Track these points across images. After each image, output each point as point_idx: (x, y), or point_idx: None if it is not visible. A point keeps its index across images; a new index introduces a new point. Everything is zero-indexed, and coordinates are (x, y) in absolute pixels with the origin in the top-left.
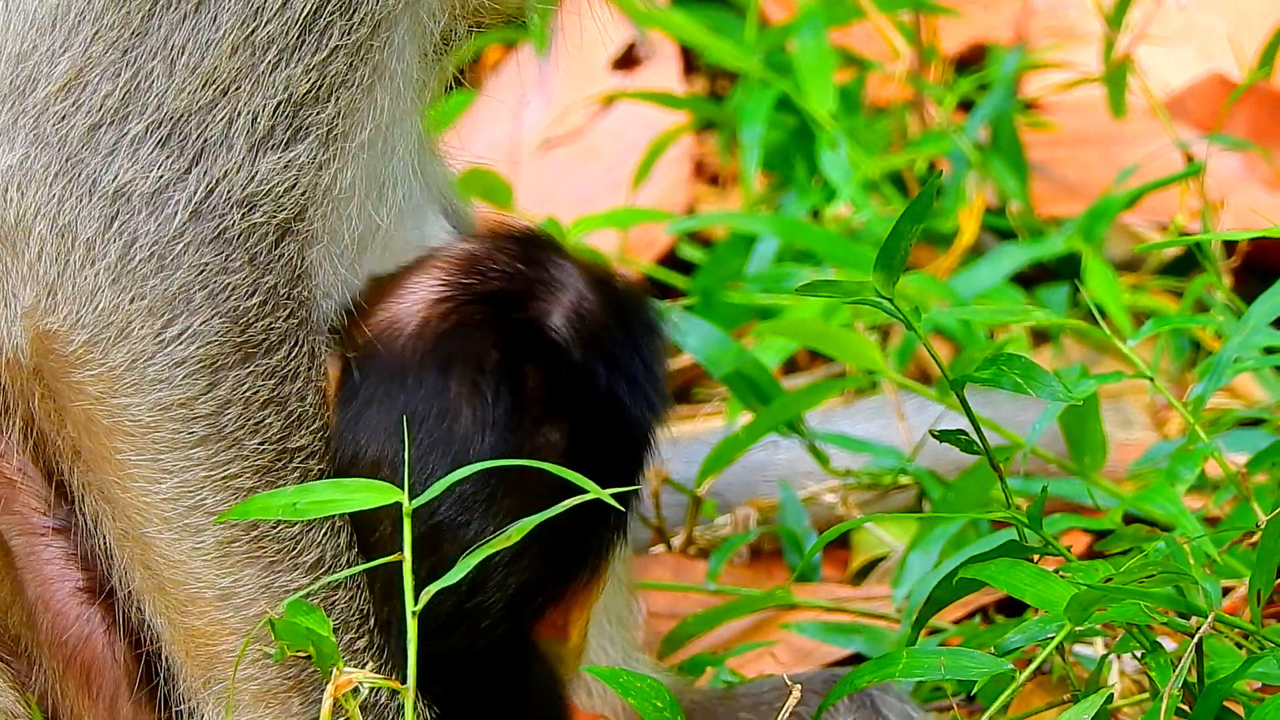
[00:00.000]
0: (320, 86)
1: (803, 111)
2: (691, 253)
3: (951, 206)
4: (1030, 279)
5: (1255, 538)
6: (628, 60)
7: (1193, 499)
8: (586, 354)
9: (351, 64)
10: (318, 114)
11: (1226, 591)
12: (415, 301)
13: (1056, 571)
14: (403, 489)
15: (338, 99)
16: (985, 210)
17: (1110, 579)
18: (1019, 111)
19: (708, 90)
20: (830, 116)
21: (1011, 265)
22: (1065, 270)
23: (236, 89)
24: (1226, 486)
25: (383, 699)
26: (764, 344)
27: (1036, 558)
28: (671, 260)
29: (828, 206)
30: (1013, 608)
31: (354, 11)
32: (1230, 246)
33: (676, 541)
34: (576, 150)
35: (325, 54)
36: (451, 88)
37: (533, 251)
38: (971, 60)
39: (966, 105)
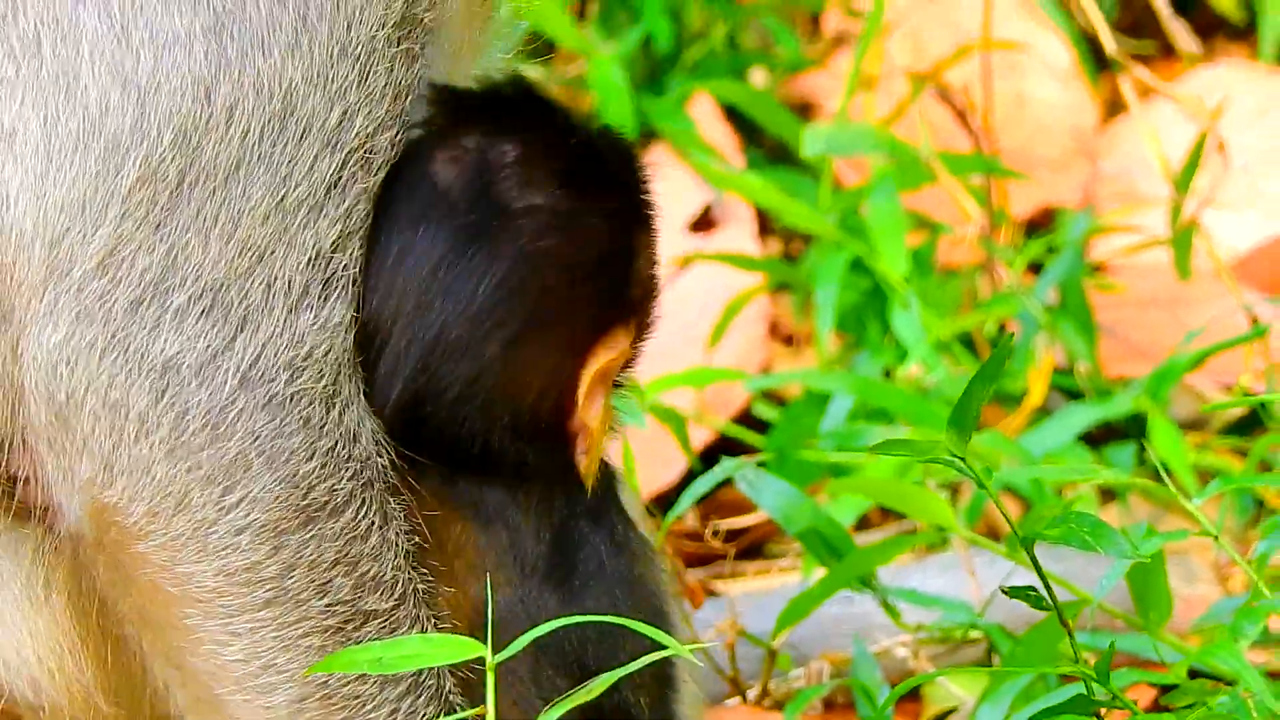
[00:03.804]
0: (342, 236)
1: (875, 273)
2: (766, 411)
3: (1020, 366)
4: (1098, 438)
5: None
6: (704, 222)
7: (1256, 654)
8: None
9: (366, 211)
10: (340, 263)
11: None
12: None
13: None
14: None
15: (351, 248)
16: (1054, 370)
17: None
18: (1087, 273)
19: (782, 252)
20: (903, 278)
21: (1079, 425)
22: (1132, 429)
23: (271, 254)
24: None
25: None
26: (838, 501)
27: (1104, 711)
28: (747, 419)
29: (900, 366)
30: None
31: (371, 165)
32: None
33: (752, 694)
34: None
35: (349, 204)
36: None
37: None
38: (1041, 223)
39: (1036, 267)
